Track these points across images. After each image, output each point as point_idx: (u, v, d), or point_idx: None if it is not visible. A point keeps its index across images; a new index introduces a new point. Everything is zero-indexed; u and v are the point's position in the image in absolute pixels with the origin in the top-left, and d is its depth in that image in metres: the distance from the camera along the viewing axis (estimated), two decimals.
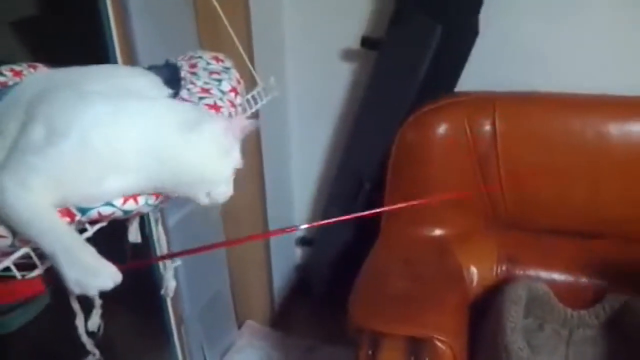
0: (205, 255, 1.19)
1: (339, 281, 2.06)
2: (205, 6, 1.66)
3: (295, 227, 1.03)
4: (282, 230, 1.07)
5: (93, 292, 0.79)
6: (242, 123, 0.88)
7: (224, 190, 0.88)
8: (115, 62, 1.45)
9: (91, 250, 0.80)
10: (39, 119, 0.80)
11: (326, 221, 1.05)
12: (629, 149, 1.66)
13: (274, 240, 2.15)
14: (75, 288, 0.78)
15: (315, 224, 1.06)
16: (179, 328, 1.65)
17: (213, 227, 1.83)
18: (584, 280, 1.72)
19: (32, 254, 0.78)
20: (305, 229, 2.33)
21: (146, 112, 0.84)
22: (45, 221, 0.77)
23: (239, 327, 2.24)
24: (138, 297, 0.97)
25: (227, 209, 1.65)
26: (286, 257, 2.38)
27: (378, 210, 1.60)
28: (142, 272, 1.47)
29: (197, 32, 1.73)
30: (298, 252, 2.43)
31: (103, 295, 0.83)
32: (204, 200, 0.88)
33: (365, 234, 1.83)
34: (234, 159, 0.88)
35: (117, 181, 0.82)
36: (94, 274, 0.78)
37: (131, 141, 0.81)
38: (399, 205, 1.30)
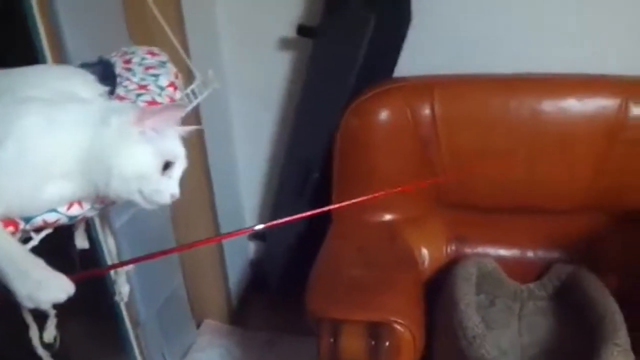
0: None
1: (293, 273, 2.06)
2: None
3: (251, 228, 1.01)
4: (239, 232, 1.04)
5: (46, 305, 0.77)
6: (160, 112, 0.83)
7: (156, 188, 0.83)
8: (44, 60, 1.39)
9: (40, 263, 0.78)
10: None
11: (284, 219, 1.04)
12: (563, 125, 1.71)
13: None
14: (28, 303, 0.75)
15: (273, 222, 1.04)
16: (135, 332, 1.61)
17: (162, 226, 1.79)
18: (530, 254, 1.78)
19: None
20: (256, 223, 2.31)
21: (81, 118, 0.82)
22: None
23: (198, 326, 2.21)
24: (90, 302, 0.94)
25: (175, 207, 1.63)
26: (240, 253, 2.36)
27: (333, 206, 1.60)
28: (93, 277, 1.42)
29: (126, 26, 1.69)
30: (251, 247, 2.40)
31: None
32: (140, 201, 0.83)
33: (317, 224, 1.83)
34: (160, 150, 0.83)
35: (55, 189, 0.80)
36: (46, 287, 0.76)
37: (66, 148, 0.79)
38: (351, 201, 1.33)
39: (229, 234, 1.25)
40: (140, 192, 0.82)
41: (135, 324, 1.64)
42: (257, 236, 2.34)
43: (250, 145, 2.19)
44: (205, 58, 1.80)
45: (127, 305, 1.55)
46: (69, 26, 1.43)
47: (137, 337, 1.64)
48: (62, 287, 0.77)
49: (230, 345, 2.17)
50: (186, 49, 1.61)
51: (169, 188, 0.84)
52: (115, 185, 0.81)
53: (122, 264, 1.02)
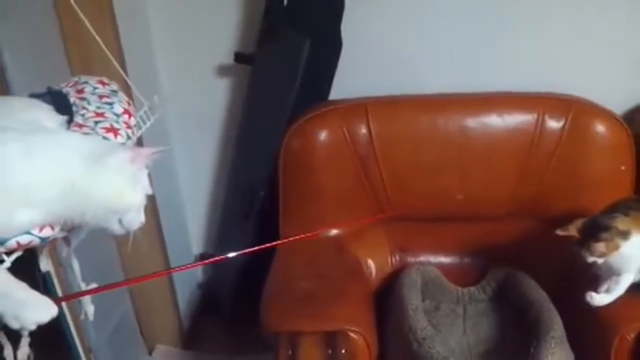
0: (104, 280, 1.19)
1: (243, 293, 2.08)
2: (72, 27, 1.62)
3: (225, 257, 1.06)
4: (198, 264, 1.07)
5: (31, 326, 0.80)
6: (148, 151, 0.90)
7: (135, 217, 0.89)
8: None
9: (23, 285, 0.80)
10: None
11: (245, 251, 1.10)
12: (487, 139, 1.84)
13: (173, 261, 2.14)
14: (14, 323, 0.78)
15: (242, 252, 1.10)
16: (88, 358, 1.59)
17: (108, 248, 1.78)
18: (467, 260, 1.89)
19: None
20: (202, 246, 2.33)
21: (55, 147, 0.85)
22: None
23: (150, 352, 2.18)
24: (40, 330, 0.96)
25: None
26: (188, 276, 2.36)
27: (284, 241, 1.66)
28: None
29: (65, 56, 1.69)
30: (199, 270, 2.42)
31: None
32: (117, 229, 0.88)
33: (263, 244, 1.86)
34: (143, 187, 0.90)
35: (27, 215, 0.81)
36: (30, 308, 0.79)
37: (42, 177, 0.81)
38: (300, 236, 1.43)
39: (185, 267, 1.25)
40: (120, 221, 0.88)
41: (87, 350, 1.62)
42: (204, 259, 2.34)
43: (193, 170, 2.21)
44: (144, 86, 1.82)
45: (78, 330, 1.53)
46: (12, 60, 1.43)
47: None
48: (46, 308, 0.81)
49: None
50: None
51: (142, 217, 0.91)
52: (101, 216, 0.85)
53: (95, 290, 1.04)
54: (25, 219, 0.81)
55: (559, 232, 1.48)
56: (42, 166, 0.81)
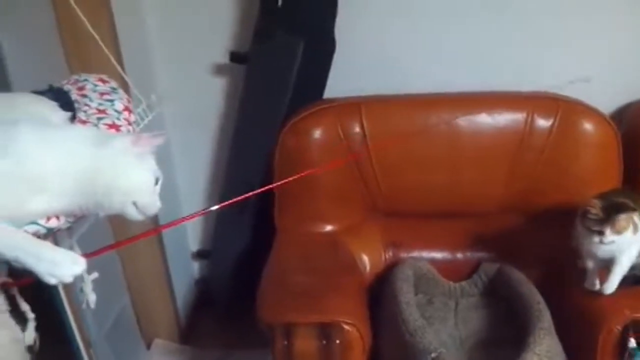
0: (102, 276, 1.22)
1: (239, 288, 2.11)
2: (71, 24, 1.65)
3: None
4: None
5: (68, 279, 0.84)
6: (148, 135, 0.94)
7: (150, 201, 0.93)
8: None
9: (48, 244, 0.85)
10: None
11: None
12: (477, 138, 1.88)
13: (171, 256, 2.18)
14: (50, 279, 0.82)
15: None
16: (88, 352, 1.61)
17: (105, 243, 1.80)
18: (459, 255, 1.92)
19: None
20: (199, 243, 2.39)
21: (66, 137, 0.89)
22: None
23: (148, 346, 2.21)
24: (42, 324, 0.99)
25: (118, 226, 1.67)
26: (185, 272, 2.40)
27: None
28: (42, 300, 1.43)
29: (66, 54, 1.71)
30: (196, 267, 2.45)
31: None
32: (133, 213, 0.92)
33: (259, 240, 1.89)
34: (151, 168, 0.94)
35: (42, 202, 0.85)
36: (60, 264, 0.83)
37: (64, 167, 0.85)
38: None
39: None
40: (135, 204, 0.91)
41: (87, 344, 1.64)
42: (200, 255, 2.40)
43: (189, 167, 2.24)
44: (141, 83, 1.85)
45: (78, 325, 1.55)
46: (11, 58, 1.45)
47: (89, 357, 1.64)
48: (75, 261, 0.84)
49: None
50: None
51: (157, 201, 0.94)
52: (115, 199, 0.90)
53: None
54: (39, 206, 0.85)
55: (590, 209, 1.49)
56: (55, 155, 0.85)
